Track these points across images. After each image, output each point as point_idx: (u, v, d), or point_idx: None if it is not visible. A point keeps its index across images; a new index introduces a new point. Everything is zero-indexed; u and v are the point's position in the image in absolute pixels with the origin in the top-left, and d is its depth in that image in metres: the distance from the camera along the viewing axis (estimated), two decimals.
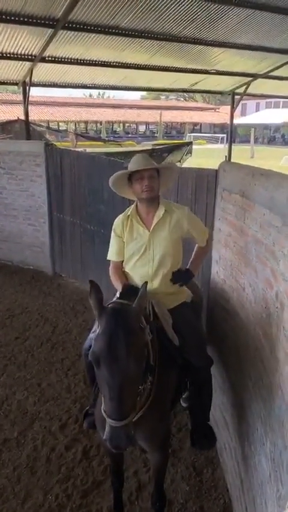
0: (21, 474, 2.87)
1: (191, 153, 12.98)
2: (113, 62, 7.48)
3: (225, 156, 11.39)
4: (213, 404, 3.06)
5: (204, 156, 19.52)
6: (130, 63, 7.68)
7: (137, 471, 2.89)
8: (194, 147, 13.76)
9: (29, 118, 8.21)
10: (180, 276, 2.47)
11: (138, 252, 2.43)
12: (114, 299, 2.19)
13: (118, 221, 2.51)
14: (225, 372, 2.83)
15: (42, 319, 5.07)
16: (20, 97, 7.97)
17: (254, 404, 2.18)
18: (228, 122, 11.86)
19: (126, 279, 2.51)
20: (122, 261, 2.53)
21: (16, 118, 9.88)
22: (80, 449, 3.06)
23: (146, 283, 1.95)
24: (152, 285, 2.40)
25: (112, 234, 2.54)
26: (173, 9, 5.74)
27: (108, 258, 2.59)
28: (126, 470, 2.85)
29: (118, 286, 2.42)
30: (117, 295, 2.26)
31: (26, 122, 8.11)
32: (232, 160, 10.54)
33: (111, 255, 2.56)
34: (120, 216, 2.52)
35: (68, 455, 3.04)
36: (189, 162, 13.11)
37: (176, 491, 2.75)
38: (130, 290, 2.13)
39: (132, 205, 2.51)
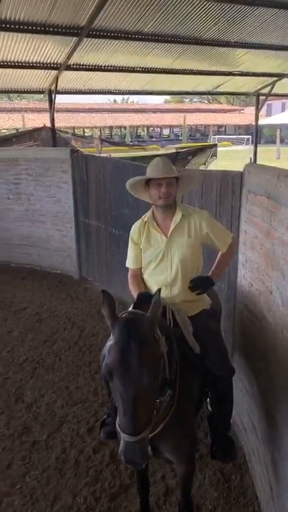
0: (50, 476, 2.91)
1: (216, 156, 12.88)
2: (137, 67, 7.56)
3: (250, 158, 11.27)
4: (241, 408, 3.03)
5: (229, 158, 19.36)
6: (153, 68, 7.74)
7: (164, 476, 2.88)
8: (218, 149, 13.64)
9: (55, 125, 8.38)
10: (200, 283, 2.38)
11: (156, 258, 2.40)
12: (129, 309, 2.11)
13: (135, 228, 2.48)
14: (253, 376, 2.79)
15: (69, 323, 5.14)
16: (46, 105, 8.15)
17: (282, 409, 2.14)
18: (253, 123, 11.73)
19: (145, 286, 2.47)
20: (141, 268, 2.50)
21: (42, 125, 10.09)
22: (107, 453, 3.08)
23: (159, 290, 1.87)
24: (171, 292, 2.38)
25: (129, 241, 2.51)
26: (195, 12, 5.75)
27: (126, 265, 2.56)
28: (153, 475, 2.85)
29: (135, 295, 2.36)
30: (133, 302, 2.19)
31: (52, 129, 8.28)
32: (258, 161, 10.43)
33: (129, 262, 2.53)
34: (137, 223, 2.48)
35: (96, 458, 3.06)
36: (215, 165, 13.03)
37: (204, 497, 2.72)
38: (145, 299, 2.01)
39: (149, 211, 2.48)
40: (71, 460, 3.05)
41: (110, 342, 1.80)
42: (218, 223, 2.54)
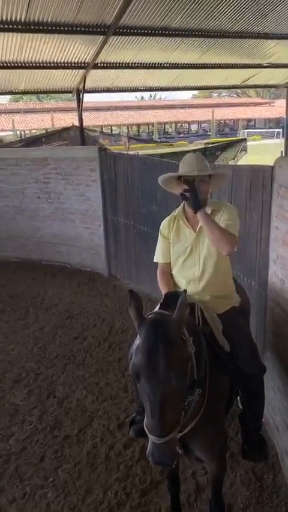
0: (81, 470, 2.96)
1: (246, 150, 12.67)
2: (164, 63, 7.51)
3: (281, 152, 11.03)
4: (273, 407, 2.98)
5: (260, 152, 18.97)
6: (181, 63, 7.66)
7: (195, 473, 2.87)
8: (248, 143, 13.41)
9: (83, 124, 8.45)
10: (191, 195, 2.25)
11: (184, 253, 2.39)
12: (156, 309, 2.09)
13: (165, 223, 2.49)
14: (285, 375, 2.73)
15: (99, 320, 5.19)
16: (74, 104, 8.23)
17: None
18: (284, 116, 11.45)
19: (174, 282, 2.46)
20: (169, 263, 2.49)
21: (71, 125, 10.20)
22: (137, 449, 3.09)
23: (185, 290, 1.84)
24: (199, 288, 2.36)
25: (159, 235, 2.52)
26: (223, 4, 5.65)
27: (154, 260, 2.56)
28: (184, 472, 2.84)
29: (164, 292, 2.36)
30: (160, 302, 2.16)
31: (81, 128, 8.36)
32: None
33: (158, 257, 2.53)
34: (167, 218, 2.49)
35: (127, 453, 3.08)
36: (245, 159, 12.82)
37: (235, 496, 2.70)
38: (173, 298, 1.98)
39: (179, 207, 2.48)
40: (101, 455, 3.08)
41: (138, 341, 1.79)
42: (234, 218, 2.34)
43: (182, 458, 2.46)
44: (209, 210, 2.35)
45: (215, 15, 5.94)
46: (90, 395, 3.76)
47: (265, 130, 35.91)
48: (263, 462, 2.85)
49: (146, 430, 1.69)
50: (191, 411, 1.92)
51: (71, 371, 4.15)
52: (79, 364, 4.27)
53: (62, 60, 6.62)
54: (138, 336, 1.78)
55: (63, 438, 3.27)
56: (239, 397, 2.55)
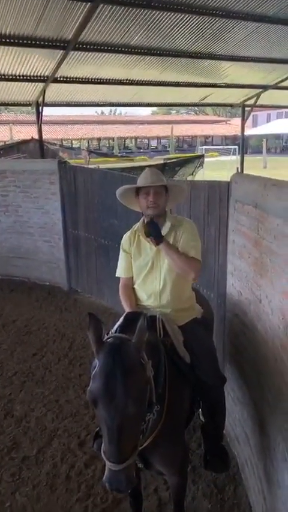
0: (40, 492, 2.85)
1: (202, 166, 13.02)
2: (124, 80, 7.63)
3: (237, 168, 11.41)
4: (234, 418, 3.02)
5: (217, 168, 19.56)
6: (140, 80, 7.82)
7: (157, 488, 2.84)
8: (206, 159, 13.79)
9: (43, 137, 8.39)
10: (153, 229, 2.29)
11: (145, 268, 2.40)
12: (114, 329, 2.06)
13: (125, 237, 2.50)
14: (244, 385, 2.79)
15: (59, 335, 5.09)
16: (34, 117, 8.17)
17: (274, 418, 2.13)
18: (240, 134, 11.90)
19: (136, 296, 2.47)
20: (132, 278, 2.49)
21: (30, 137, 10.10)
22: (99, 467, 3.02)
23: (144, 315, 1.79)
24: (161, 301, 2.38)
25: (120, 250, 2.52)
26: (181, 25, 5.84)
27: (116, 275, 2.55)
28: (146, 487, 2.81)
29: (126, 308, 2.38)
30: (120, 322, 2.14)
31: (40, 141, 8.30)
32: (245, 171, 10.55)
33: (120, 271, 2.53)
34: (128, 233, 2.50)
35: (88, 472, 3.01)
36: (202, 175, 13.15)
37: (197, 509, 2.69)
38: (132, 319, 1.95)
39: (139, 221, 2.50)
40: (62, 475, 2.99)
41: (96, 365, 1.74)
42: (196, 239, 2.40)
43: (143, 472, 2.43)
44: (167, 225, 2.38)
45: (172, 36, 6.13)
46: (50, 414, 3.65)
47: (222, 147, 37.04)
48: (224, 473, 2.87)
49: (103, 456, 1.66)
50: (149, 429, 1.90)
51: (29, 389, 4.03)
52: (38, 381, 4.15)
53: (21, 73, 6.59)
54: (96, 360, 1.75)
55: (21, 459, 3.14)
56: (200, 409, 2.57)
